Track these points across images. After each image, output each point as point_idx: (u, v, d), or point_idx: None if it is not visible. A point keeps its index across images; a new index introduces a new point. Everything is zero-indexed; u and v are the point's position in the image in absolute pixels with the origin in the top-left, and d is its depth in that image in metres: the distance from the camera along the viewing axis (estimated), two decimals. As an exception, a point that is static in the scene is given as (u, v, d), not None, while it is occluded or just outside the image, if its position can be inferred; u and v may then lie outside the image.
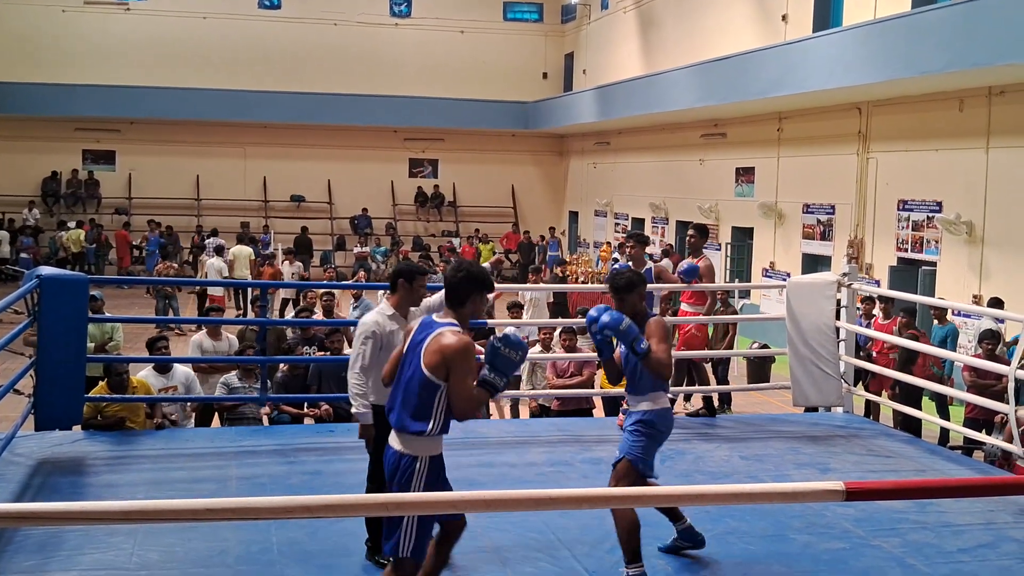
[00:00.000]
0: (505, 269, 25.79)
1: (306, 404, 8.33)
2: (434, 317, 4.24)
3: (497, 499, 3.41)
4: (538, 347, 9.41)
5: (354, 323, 10.65)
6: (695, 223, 9.74)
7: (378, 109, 26.02)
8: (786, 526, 5.49)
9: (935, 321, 11.21)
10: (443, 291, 4.37)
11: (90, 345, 8.40)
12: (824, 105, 15.82)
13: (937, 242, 13.70)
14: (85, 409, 7.02)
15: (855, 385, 8.78)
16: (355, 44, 27.38)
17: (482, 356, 4.18)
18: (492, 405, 9.46)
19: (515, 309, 11.29)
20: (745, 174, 18.88)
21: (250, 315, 15.49)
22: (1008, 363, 7.06)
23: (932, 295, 12.94)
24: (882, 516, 5.62)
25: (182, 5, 26.39)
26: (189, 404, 8.29)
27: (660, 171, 22.44)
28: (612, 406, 8.79)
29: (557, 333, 9.36)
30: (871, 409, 9.83)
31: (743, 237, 19.00)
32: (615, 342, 4.99)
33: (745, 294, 17.63)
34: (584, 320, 5.12)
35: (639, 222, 23.09)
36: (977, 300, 12.40)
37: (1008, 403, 6.46)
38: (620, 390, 7.10)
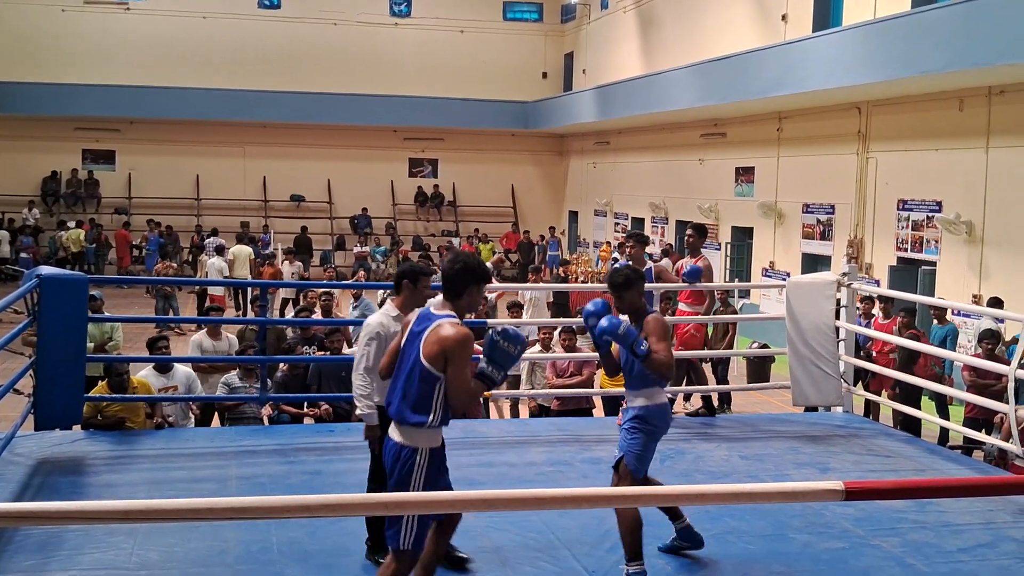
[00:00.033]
0: (505, 269, 25.80)
1: (306, 404, 8.34)
2: (432, 310, 4.24)
3: (497, 499, 3.42)
4: (538, 347, 9.41)
5: (354, 323, 10.75)
6: (694, 223, 9.73)
7: (378, 109, 26.02)
8: (786, 526, 5.49)
9: (935, 321, 11.21)
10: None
11: (89, 345, 8.40)
12: (824, 105, 15.82)
13: (937, 242, 13.70)
14: (85, 409, 7.02)
15: (855, 385, 8.78)
16: (355, 44, 27.38)
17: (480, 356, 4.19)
18: (492, 405, 9.46)
19: (515, 309, 11.30)
20: (745, 174, 18.88)
21: (250, 315, 15.49)
22: (1008, 363, 7.06)
23: (932, 295, 12.94)
24: (882, 516, 5.62)
25: (182, 5, 26.39)
26: (190, 404, 8.30)
27: (660, 171, 22.44)
28: (612, 406, 8.79)
29: (557, 333, 9.36)
30: (871, 409, 9.83)
31: (743, 237, 19.00)
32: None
33: (745, 294, 17.63)
34: (583, 320, 5.13)
35: (639, 222, 23.09)
36: (977, 300, 12.40)
37: (1008, 403, 6.47)
38: (620, 390, 7.11)
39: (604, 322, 4.79)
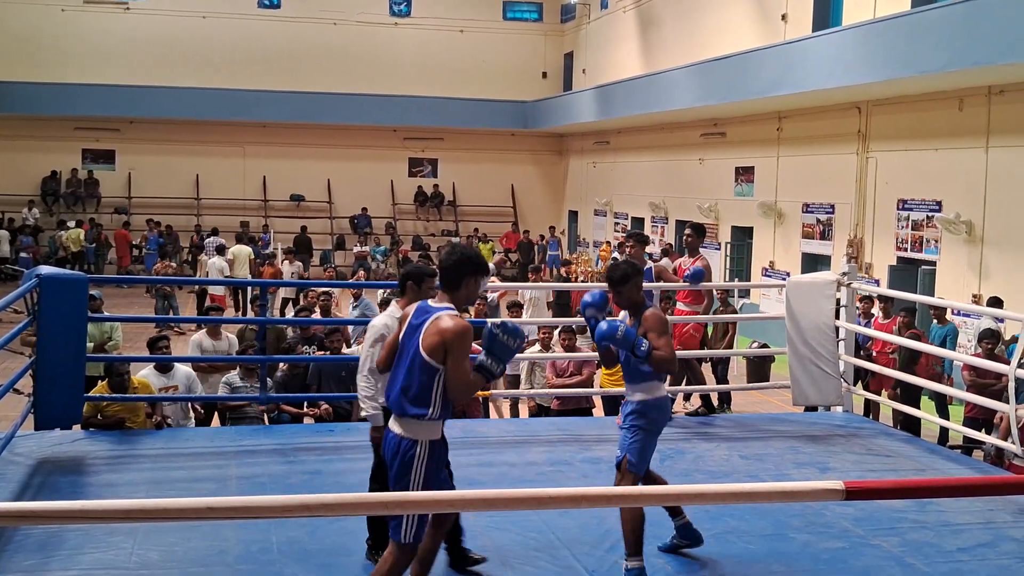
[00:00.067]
0: (505, 268, 25.80)
1: (306, 403, 8.34)
2: (430, 302, 4.25)
3: (497, 498, 3.41)
4: (537, 346, 9.41)
5: (354, 322, 10.75)
6: (692, 222, 9.73)
7: (377, 108, 26.03)
8: (786, 525, 5.49)
9: (934, 321, 11.21)
10: None
11: (89, 345, 8.40)
12: (824, 104, 15.82)
13: (937, 241, 13.71)
14: (85, 408, 7.02)
15: (854, 384, 8.78)
16: (354, 43, 27.38)
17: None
18: (491, 405, 9.46)
19: (515, 308, 11.31)
20: (745, 173, 18.88)
21: (250, 315, 15.49)
22: (1007, 362, 7.06)
23: (932, 294, 12.95)
24: (881, 515, 5.62)
25: (182, 5, 26.39)
26: (191, 404, 8.29)
27: (660, 170, 22.44)
28: (612, 405, 8.79)
29: (556, 332, 9.36)
30: (870, 408, 9.83)
31: (743, 236, 19.00)
32: (601, 320, 5.06)
33: (745, 293, 17.63)
34: (583, 320, 5.14)
35: (639, 221, 23.10)
36: (977, 299, 12.40)
37: (1007, 402, 6.47)
38: (620, 389, 7.11)
39: (604, 325, 4.82)
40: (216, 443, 7.08)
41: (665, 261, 11.55)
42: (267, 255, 20.64)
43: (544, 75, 28.99)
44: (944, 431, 9.73)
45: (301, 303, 12.08)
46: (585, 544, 5.14)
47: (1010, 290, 11.87)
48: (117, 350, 9.79)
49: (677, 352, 8.06)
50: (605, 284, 5.18)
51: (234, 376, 8.34)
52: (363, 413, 5.02)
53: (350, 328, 10.65)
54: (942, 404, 10.31)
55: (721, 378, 11.91)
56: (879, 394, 9.85)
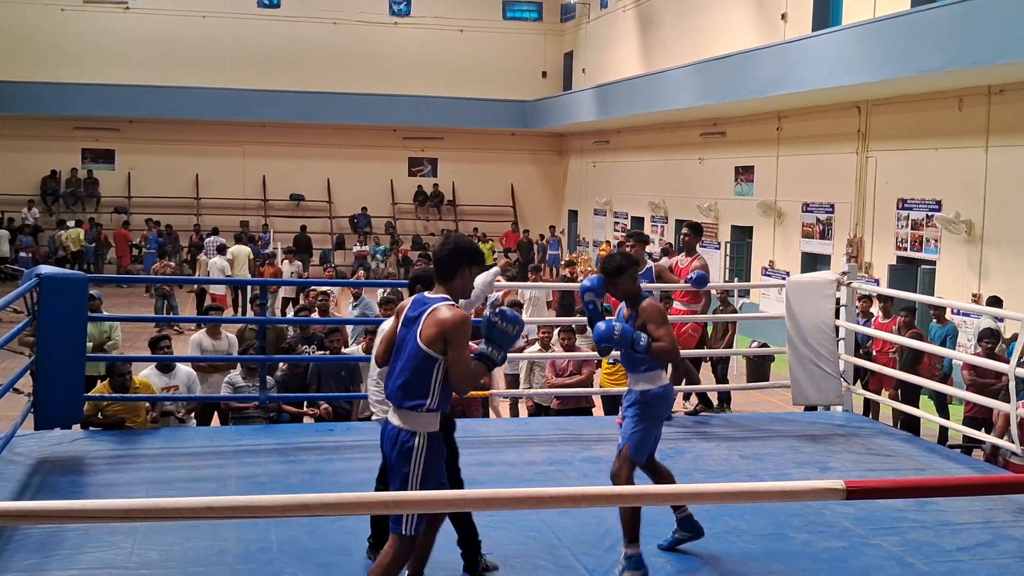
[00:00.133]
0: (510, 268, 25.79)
1: (305, 403, 8.33)
2: (426, 294, 4.24)
3: (496, 498, 3.41)
4: (537, 346, 9.41)
5: (354, 322, 10.75)
6: (689, 221, 9.74)
7: (377, 108, 26.03)
8: (786, 525, 5.49)
9: (934, 320, 11.21)
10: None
11: (88, 344, 8.40)
12: (823, 104, 15.82)
13: (936, 241, 13.71)
14: (85, 407, 7.02)
15: (854, 384, 8.78)
16: (354, 43, 27.38)
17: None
18: (490, 405, 9.46)
19: (514, 308, 11.30)
20: (744, 173, 18.88)
21: (249, 314, 15.49)
22: (1007, 361, 7.06)
23: (931, 294, 12.95)
24: (881, 515, 5.62)
25: (181, 4, 26.39)
26: (188, 403, 8.29)
27: (659, 170, 22.45)
28: (611, 405, 8.79)
29: (556, 332, 9.36)
30: (870, 408, 9.83)
31: (742, 236, 19.00)
32: (599, 306, 5.09)
33: (744, 293, 17.63)
34: (583, 320, 5.15)
35: (638, 221, 23.10)
36: (976, 299, 12.40)
37: (1007, 401, 6.47)
38: (620, 389, 7.11)
39: (601, 326, 4.85)
40: (216, 443, 7.08)
41: (664, 260, 11.55)
42: (267, 255, 20.64)
43: (544, 75, 28.99)
44: (944, 430, 9.73)
45: (301, 303, 12.08)
46: (585, 544, 5.14)
47: (1010, 289, 11.87)
48: (116, 350, 9.79)
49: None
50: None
51: (236, 376, 8.34)
52: (374, 417, 5.00)
53: (349, 328, 10.65)
54: (942, 404, 10.31)
55: (721, 378, 11.92)
56: (879, 394, 9.85)
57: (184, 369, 8.15)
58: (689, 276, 8.17)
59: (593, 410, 9.05)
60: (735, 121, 19.05)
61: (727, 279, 18.71)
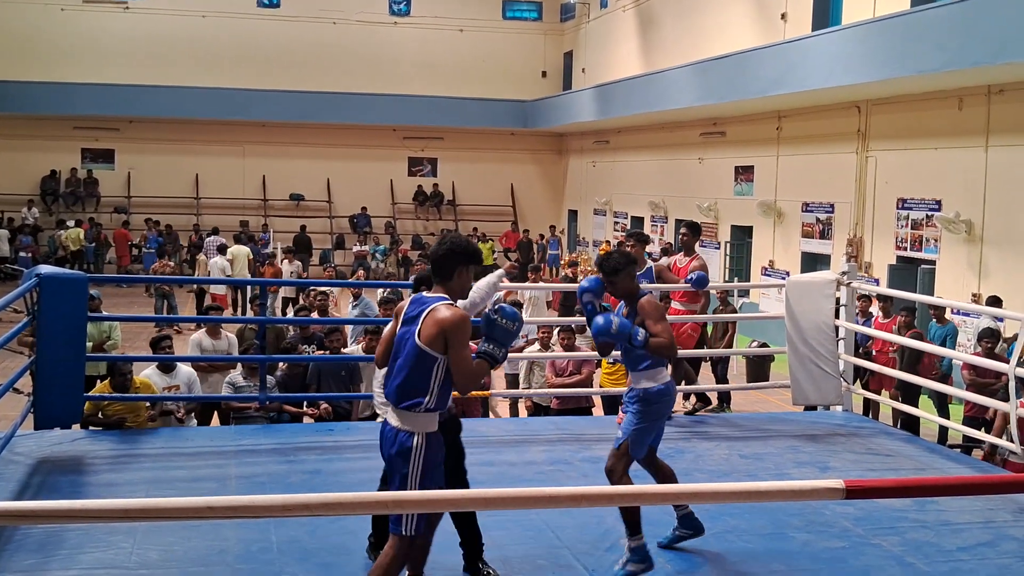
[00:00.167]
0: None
1: (305, 403, 8.33)
2: (424, 294, 4.25)
3: (496, 497, 3.41)
4: (537, 345, 9.41)
5: (354, 321, 10.75)
6: (687, 221, 9.74)
7: (377, 108, 26.03)
8: (785, 524, 5.49)
9: (934, 320, 11.22)
10: (469, 292, 4.38)
11: (88, 344, 8.39)
12: (823, 104, 15.82)
13: (936, 241, 13.71)
14: (85, 407, 7.02)
15: (854, 384, 8.78)
16: (354, 42, 27.38)
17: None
18: (490, 405, 9.46)
19: (514, 307, 11.29)
20: (744, 173, 18.88)
21: (249, 314, 15.49)
22: (1007, 361, 7.06)
23: (931, 294, 12.96)
24: (881, 515, 5.62)
25: (181, 4, 26.39)
26: (189, 403, 8.29)
27: (659, 170, 22.45)
28: (611, 405, 8.79)
29: (556, 332, 9.36)
30: (870, 408, 9.83)
31: (742, 236, 19.00)
32: (597, 306, 5.09)
33: (744, 293, 17.63)
34: (583, 319, 5.15)
35: (638, 221, 23.10)
36: (976, 299, 12.41)
37: (1007, 401, 6.47)
38: (620, 389, 7.11)
39: (599, 320, 4.84)
40: (216, 442, 7.08)
41: (664, 260, 11.56)
42: (266, 254, 20.64)
43: (544, 74, 28.99)
44: (944, 430, 9.73)
45: (301, 302, 12.07)
46: (585, 544, 5.14)
47: (1009, 289, 11.87)
48: (116, 349, 9.80)
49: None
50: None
51: (237, 376, 8.34)
52: (379, 419, 4.99)
53: (348, 328, 10.65)
54: (942, 404, 10.31)
55: (721, 378, 11.92)
56: (879, 393, 9.85)
57: (185, 369, 8.15)
58: (689, 277, 8.16)
59: (593, 410, 9.04)
60: (735, 121, 19.05)
61: (727, 279, 18.71)
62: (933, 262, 13.80)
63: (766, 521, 5.52)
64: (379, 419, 5.01)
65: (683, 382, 8.67)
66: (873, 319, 11.02)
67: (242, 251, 19.57)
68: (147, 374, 7.81)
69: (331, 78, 26.56)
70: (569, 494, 3.44)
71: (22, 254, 23.43)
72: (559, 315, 13.99)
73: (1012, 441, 6.41)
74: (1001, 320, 10.40)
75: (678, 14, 21.61)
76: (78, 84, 24.70)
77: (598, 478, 5.82)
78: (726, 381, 11.88)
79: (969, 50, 11.42)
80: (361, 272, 18.78)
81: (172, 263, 20.85)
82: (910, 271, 14.25)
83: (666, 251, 17.54)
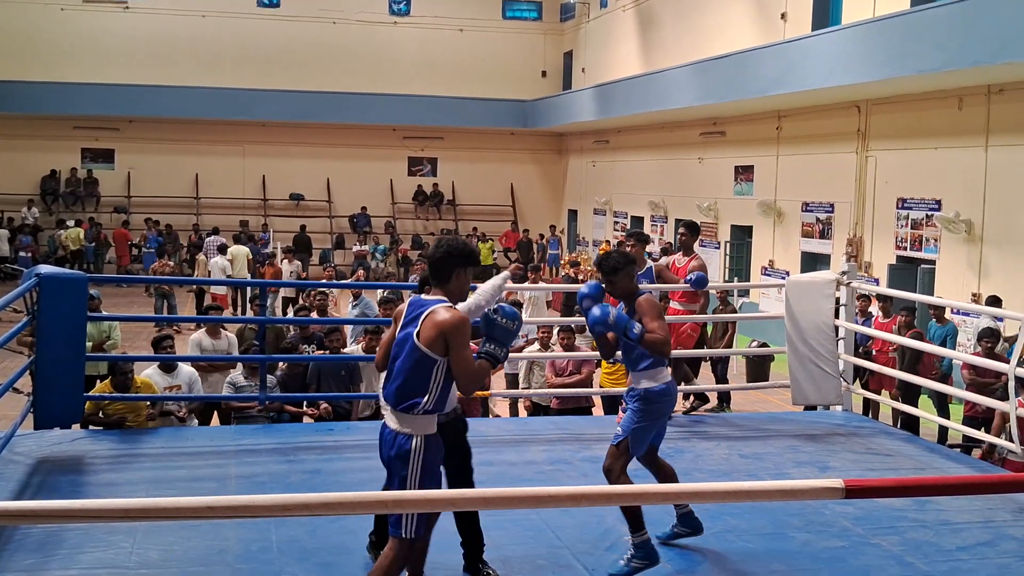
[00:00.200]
0: (504, 268, 25.78)
1: (305, 403, 8.33)
2: (423, 296, 4.26)
3: (496, 497, 3.41)
4: (536, 345, 9.41)
5: (354, 321, 10.75)
6: (686, 220, 9.75)
7: (377, 107, 26.03)
8: (785, 524, 5.49)
9: (933, 320, 11.22)
10: (474, 295, 4.38)
11: (87, 344, 8.40)
12: (823, 103, 15.82)
13: (936, 240, 13.71)
14: (86, 406, 7.02)
15: (853, 383, 8.78)
16: (354, 42, 27.39)
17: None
18: (490, 405, 9.46)
19: (513, 307, 11.29)
20: (744, 172, 18.88)
21: (249, 314, 15.49)
22: (1007, 361, 7.06)
23: (931, 294, 12.96)
24: (881, 514, 5.61)
25: (181, 3, 26.39)
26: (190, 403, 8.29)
27: (659, 169, 22.45)
28: (611, 404, 8.79)
29: (556, 332, 9.36)
30: (870, 408, 9.83)
31: (742, 235, 19.00)
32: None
33: (744, 293, 17.63)
34: (583, 319, 5.14)
35: (638, 220, 23.11)
36: (976, 298, 12.41)
37: (1007, 400, 6.47)
38: (620, 389, 7.11)
39: (596, 311, 4.84)
40: (216, 442, 7.08)
41: (663, 260, 11.56)
42: (266, 254, 20.65)
43: (544, 74, 28.99)
44: (944, 430, 9.73)
45: (300, 302, 12.07)
46: (585, 543, 5.14)
47: (1009, 289, 11.88)
48: (116, 349, 9.80)
49: (676, 352, 8.14)
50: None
51: (238, 375, 8.35)
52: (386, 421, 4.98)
53: (348, 328, 10.65)
54: (942, 403, 10.31)
55: (721, 377, 11.92)
56: (878, 393, 9.85)
57: (187, 369, 8.15)
58: (688, 277, 8.16)
59: (593, 410, 9.04)
60: (735, 121, 19.05)
61: (727, 279, 18.71)
62: (933, 262, 13.80)
63: (766, 521, 5.52)
64: (383, 419, 5.01)
65: (682, 382, 8.67)
66: (873, 319, 11.02)
67: (242, 251, 19.58)
68: (148, 374, 7.81)
69: (331, 78, 26.57)
70: (569, 494, 3.44)
71: (22, 254, 23.43)
72: (561, 315, 13.98)
73: (1011, 440, 6.41)
74: (1001, 320, 10.40)
75: (678, 14, 21.61)
76: (78, 84, 24.71)
77: (598, 478, 5.82)
78: (726, 381, 11.88)
79: (969, 50, 11.42)
80: (361, 272, 18.77)
81: (172, 263, 20.85)
82: (910, 271, 14.25)
83: (666, 251, 17.52)
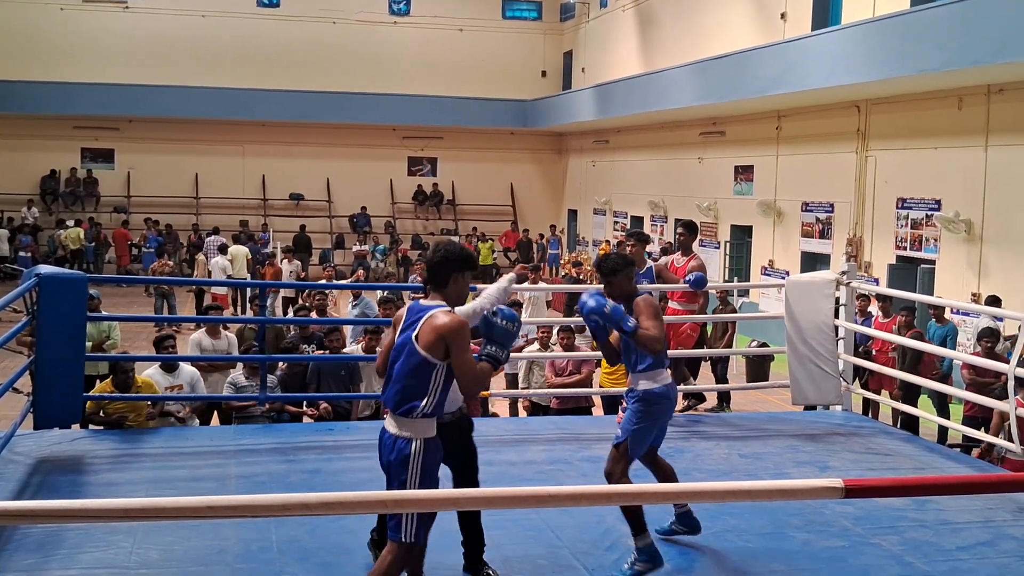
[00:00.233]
0: (504, 267, 25.78)
1: (305, 403, 8.34)
2: (421, 302, 4.27)
3: (496, 497, 3.42)
4: (536, 345, 9.41)
5: (354, 322, 10.75)
6: (684, 220, 9.74)
7: (377, 107, 26.03)
8: (785, 523, 5.49)
9: (933, 320, 11.22)
10: (478, 298, 4.39)
11: (87, 344, 8.40)
12: (823, 103, 15.82)
13: (936, 240, 13.71)
14: (87, 406, 7.02)
15: (853, 383, 8.78)
16: (354, 42, 27.38)
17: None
18: (490, 406, 9.45)
19: (513, 307, 11.28)
20: (744, 172, 18.88)
21: (249, 314, 15.49)
22: (1007, 361, 7.06)
23: (931, 293, 12.96)
24: (881, 514, 5.62)
25: (181, 3, 26.39)
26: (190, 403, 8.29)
27: (659, 169, 22.45)
28: (611, 404, 8.79)
29: (555, 332, 9.36)
30: (870, 407, 9.83)
31: (742, 235, 19.00)
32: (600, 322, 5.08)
33: (744, 292, 17.64)
34: (582, 319, 5.15)
35: (638, 220, 23.10)
36: (976, 298, 12.41)
37: (1006, 400, 6.47)
38: (619, 389, 7.11)
39: (591, 301, 4.85)
40: (216, 442, 7.08)
41: (662, 259, 11.56)
42: (266, 254, 20.64)
43: (543, 74, 28.99)
44: (943, 430, 9.73)
45: (300, 302, 12.07)
46: (585, 544, 5.14)
47: (1009, 289, 11.88)
48: (115, 349, 9.80)
49: (676, 352, 8.14)
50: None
51: (239, 375, 8.35)
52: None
53: (348, 328, 10.65)
54: (942, 403, 10.31)
55: (721, 377, 11.92)
56: (878, 393, 9.85)
57: (188, 369, 8.16)
58: (688, 278, 8.16)
59: (593, 410, 9.04)
60: (734, 120, 19.05)
61: (727, 278, 18.71)
62: (933, 262, 13.80)
63: (766, 520, 5.52)
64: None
65: (681, 383, 8.68)
66: (873, 319, 11.02)
67: (241, 251, 19.58)
68: (150, 373, 7.82)
69: (331, 78, 26.56)
70: (569, 494, 3.44)
71: (22, 254, 23.43)
72: (559, 315, 13.98)
73: (1011, 440, 6.41)
74: (1001, 320, 10.40)
75: (678, 14, 21.61)
76: (78, 84, 24.70)
77: (598, 477, 5.82)
78: (726, 381, 11.88)
79: (969, 49, 11.42)
80: (361, 272, 18.75)
81: (171, 263, 20.85)
82: (910, 271, 14.25)
83: (666, 251, 17.50)
